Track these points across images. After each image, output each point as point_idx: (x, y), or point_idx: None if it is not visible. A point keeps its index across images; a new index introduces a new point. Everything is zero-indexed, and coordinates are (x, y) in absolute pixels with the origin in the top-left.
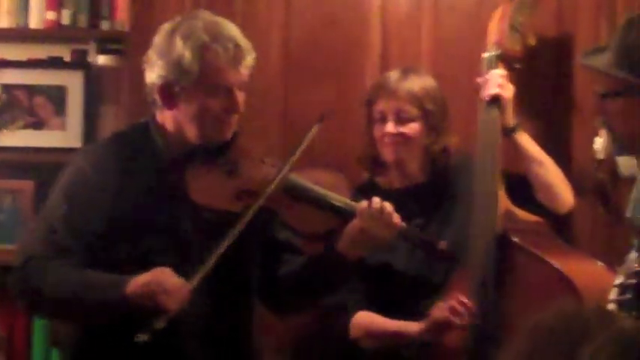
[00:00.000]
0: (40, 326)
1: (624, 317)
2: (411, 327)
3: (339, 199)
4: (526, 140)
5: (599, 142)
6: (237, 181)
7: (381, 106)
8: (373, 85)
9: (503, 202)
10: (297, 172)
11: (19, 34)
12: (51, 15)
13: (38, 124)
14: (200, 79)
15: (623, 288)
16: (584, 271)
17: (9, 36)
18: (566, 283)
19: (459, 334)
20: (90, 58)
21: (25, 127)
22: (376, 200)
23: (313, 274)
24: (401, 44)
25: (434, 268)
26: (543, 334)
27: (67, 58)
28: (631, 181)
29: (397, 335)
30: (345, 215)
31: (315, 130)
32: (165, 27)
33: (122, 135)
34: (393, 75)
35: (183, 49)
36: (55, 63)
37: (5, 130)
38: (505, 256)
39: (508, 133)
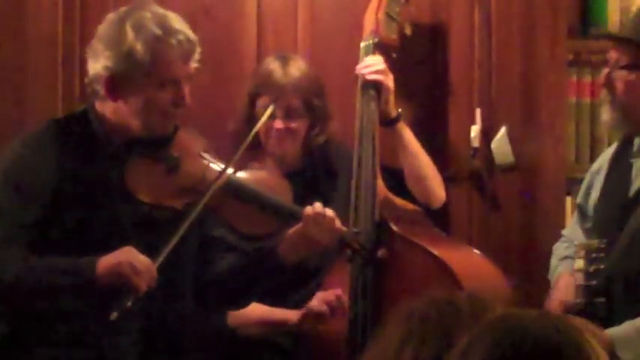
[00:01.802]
0: None
1: (496, 305)
2: (290, 315)
3: (282, 202)
4: (405, 131)
5: (475, 130)
6: (178, 177)
7: (267, 101)
8: (257, 78)
9: (382, 190)
10: (241, 172)
11: None
12: None
13: None
14: (150, 72)
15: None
16: (462, 258)
17: None
18: (445, 270)
19: (338, 323)
20: None
21: None
22: (318, 205)
23: (248, 274)
24: (276, 33)
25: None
26: (416, 321)
27: None
28: (506, 169)
29: (277, 323)
30: (287, 218)
31: (264, 118)
32: (111, 17)
33: (59, 123)
34: (276, 68)
35: (134, 41)
36: None
37: None
38: (384, 244)
39: (389, 123)
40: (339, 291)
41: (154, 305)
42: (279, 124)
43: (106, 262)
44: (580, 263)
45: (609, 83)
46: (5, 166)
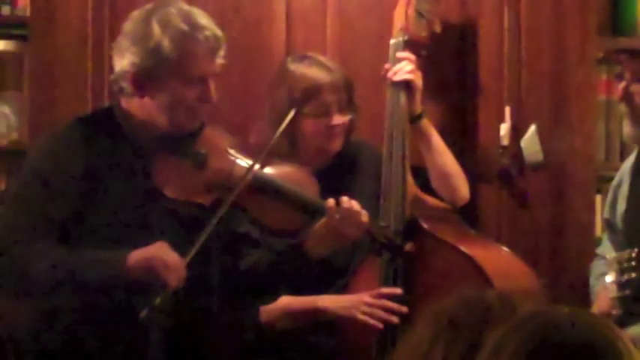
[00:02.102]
0: None
1: (526, 304)
2: (321, 302)
3: (308, 196)
4: (430, 128)
5: (505, 128)
6: (205, 173)
7: (323, 99)
8: (305, 82)
9: (412, 187)
10: (268, 168)
11: None
12: None
13: None
14: (177, 68)
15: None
16: (493, 257)
17: None
18: (475, 269)
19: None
20: None
21: None
22: (345, 199)
23: (275, 270)
24: (306, 31)
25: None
26: (445, 320)
27: None
28: (535, 167)
29: (308, 311)
30: (313, 213)
31: (288, 119)
32: (137, 14)
33: (86, 120)
34: (313, 69)
35: (161, 37)
36: None
37: None
38: (414, 242)
39: (414, 120)
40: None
41: (182, 301)
42: (338, 119)
43: (137, 255)
44: (612, 275)
45: (628, 97)
46: (34, 162)
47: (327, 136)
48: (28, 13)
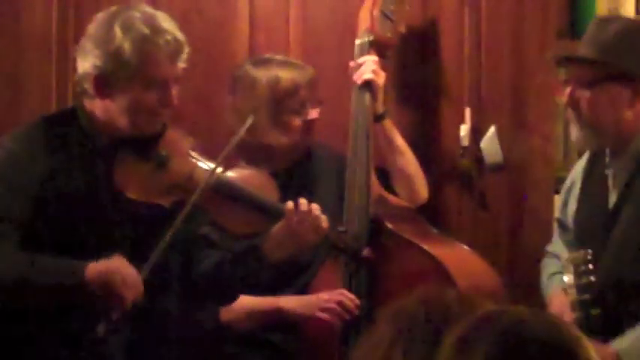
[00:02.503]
0: None
1: (485, 303)
2: (283, 302)
3: (267, 199)
4: (392, 128)
5: (465, 130)
6: (166, 175)
7: (300, 96)
8: (275, 86)
9: (376, 187)
10: (229, 171)
11: None
12: None
13: None
14: (138, 72)
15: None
16: (454, 256)
17: None
18: (438, 267)
19: (340, 316)
20: None
21: None
22: (303, 202)
23: (233, 272)
24: (268, 32)
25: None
26: (405, 320)
27: None
28: (495, 168)
29: (269, 311)
30: (272, 216)
31: (248, 124)
32: (101, 17)
33: (49, 120)
34: (297, 69)
35: (122, 40)
36: None
37: None
38: (378, 241)
39: (377, 119)
40: (353, 299)
41: (141, 304)
42: (313, 114)
43: (96, 268)
44: (570, 278)
45: (573, 102)
46: None
47: (305, 131)
48: None
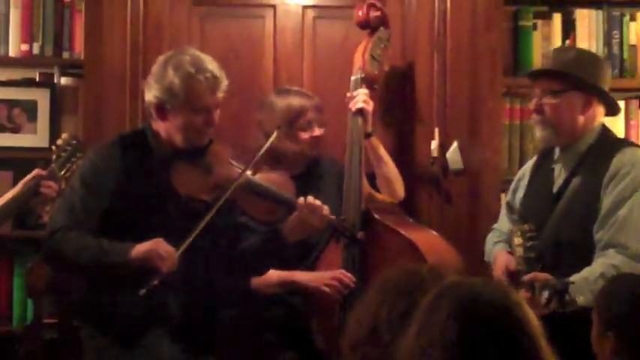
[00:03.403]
0: (18, 283)
1: (450, 275)
2: (298, 276)
3: (285, 195)
4: (378, 143)
5: (434, 144)
6: (210, 177)
7: (309, 117)
8: (295, 106)
9: (366, 187)
10: (257, 174)
11: (1, 61)
12: (25, 46)
13: (16, 129)
14: (186, 101)
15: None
16: (426, 239)
17: None
18: (413, 248)
19: (338, 291)
20: (55, 80)
21: (6, 131)
22: (310, 198)
23: (265, 249)
24: (288, 70)
25: (317, 238)
26: (390, 286)
27: (37, 78)
28: (457, 173)
29: (291, 282)
30: (288, 208)
31: (272, 139)
32: (161, 59)
33: (125, 137)
34: (304, 97)
35: (173, 77)
36: (28, 83)
37: None
38: (368, 228)
39: (366, 137)
40: (349, 276)
41: (195, 276)
42: (318, 132)
43: (139, 248)
44: (519, 241)
45: (539, 108)
46: (81, 168)
47: (311, 144)
48: (82, 57)
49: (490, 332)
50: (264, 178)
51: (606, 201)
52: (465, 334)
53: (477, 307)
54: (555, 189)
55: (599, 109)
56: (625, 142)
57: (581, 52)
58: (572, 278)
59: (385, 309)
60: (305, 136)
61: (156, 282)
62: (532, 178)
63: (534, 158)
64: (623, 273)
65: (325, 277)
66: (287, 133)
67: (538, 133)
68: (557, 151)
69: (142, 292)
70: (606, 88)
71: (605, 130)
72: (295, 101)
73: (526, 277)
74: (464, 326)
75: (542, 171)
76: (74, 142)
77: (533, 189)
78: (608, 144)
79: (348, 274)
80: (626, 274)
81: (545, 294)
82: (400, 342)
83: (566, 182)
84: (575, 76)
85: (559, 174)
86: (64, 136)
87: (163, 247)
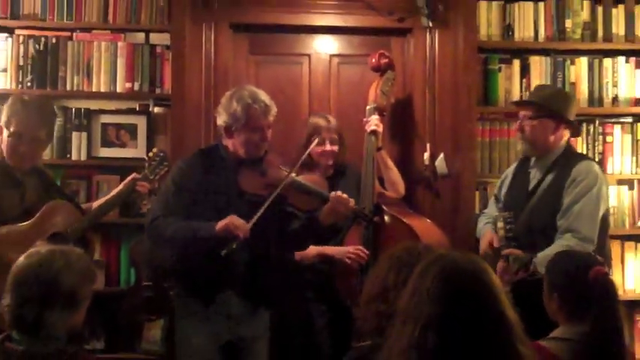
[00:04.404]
0: (124, 254)
1: (439, 249)
2: (330, 250)
3: (321, 191)
4: (386, 155)
5: (426, 155)
6: (266, 178)
7: (323, 135)
8: (313, 125)
9: (377, 186)
10: (299, 175)
11: (111, 95)
12: (128, 84)
13: (122, 145)
14: (246, 124)
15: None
16: (422, 225)
17: (105, 96)
18: (412, 231)
19: (357, 261)
20: (150, 109)
21: (115, 146)
22: (339, 192)
23: (306, 230)
24: (319, 101)
25: (343, 223)
26: (395, 260)
27: (137, 108)
28: (443, 177)
29: (325, 255)
30: (323, 200)
31: (307, 151)
32: (227, 94)
33: (203, 150)
34: (323, 119)
35: (236, 107)
36: (131, 111)
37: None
38: (379, 217)
39: (377, 150)
40: (366, 252)
41: (254, 251)
42: (329, 147)
43: (220, 223)
44: (501, 224)
45: (522, 128)
46: (172, 172)
47: (324, 156)
48: (170, 92)
49: (463, 290)
50: (304, 178)
51: (567, 198)
52: (445, 291)
53: (454, 272)
54: (530, 187)
55: (566, 132)
56: (582, 157)
57: (556, 89)
58: (538, 255)
59: (392, 275)
60: (318, 150)
61: (234, 245)
62: (513, 178)
63: (515, 164)
64: (566, 250)
65: (348, 250)
66: (305, 145)
67: (519, 146)
68: (532, 160)
69: (224, 252)
70: (571, 118)
71: (569, 147)
72: (315, 121)
73: (504, 252)
74: (444, 285)
75: (521, 173)
76: (161, 154)
77: (514, 186)
78: (570, 157)
79: (365, 250)
80: (568, 251)
81: (515, 266)
82: (400, 299)
83: (538, 183)
84: (547, 107)
85: (534, 176)
86: (154, 150)
87: (236, 219)
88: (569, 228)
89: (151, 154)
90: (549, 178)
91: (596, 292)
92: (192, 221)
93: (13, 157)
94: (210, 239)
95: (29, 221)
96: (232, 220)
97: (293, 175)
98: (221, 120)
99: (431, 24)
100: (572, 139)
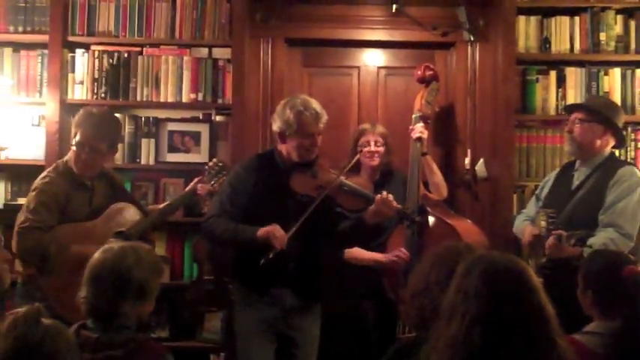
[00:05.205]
0: (188, 251)
1: (478, 249)
2: (377, 256)
3: (367, 192)
4: (430, 160)
5: (467, 160)
6: (316, 180)
7: (367, 138)
8: (359, 130)
9: (422, 189)
10: (347, 178)
11: (177, 105)
12: (192, 95)
13: (187, 151)
14: (298, 130)
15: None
16: (463, 225)
17: (172, 106)
18: (454, 231)
19: (399, 263)
20: (213, 118)
21: (180, 151)
22: (384, 193)
23: (353, 230)
24: (367, 110)
25: (388, 222)
26: (437, 258)
27: (201, 117)
28: (483, 180)
29: (370, 259)
30: (369, 201)
31: (356, 157)
32: (281, 102)
33: (260, 155)
34: (369, 124)
35: (289, 114)
36: (195, 120)
37: (171, 154)
38: (423, 217)
39: (422, 155)
40: (406, 253)
41: (304, 249)
42: (373, 148)
43: (261, 230)
44: (543, 218)
45: (571, 129)
46: (230, 175)
47: (369, 157)
48: (230, 102)
49: (507, 288)
50: (351, 180)
51: (610, 197)
52: (490, 290)
53: (497, 271)
54: (573, 187)
55: (611, 140)
56: (626, 162)
57: (608, 100)
58: (590, 240)
59: (434, 272)
60: (363, 150)
61: (271, 256)
62: (556, 180)
63: (557, 170)
64: (601, 249)
65: (390, 255)
66: (353, 149)
67: (566, 147)
68: (577, 164)
69: (262, 262)
70: (619, 125)
71: (612, 154)
72: (360, 127)
73: (555, 232)
74: (489, 284)
75: (564, 176)
76: (220, 164)
77: (557, 186)
78: (614, 162)
79: (405, 251)
80: (602, 250)
81: (573, 240)
82: (444, 296)
83: (582, 182)
84: (598, 112)
85: (577, 178)
86: (214, 160)
87: (278, 230)
88: (612, 223)
89: (211, 163)
90: (593, 178)
91: (628, 289)
92: (239, 224)
93: (77, 164)
94: (251, 243)
95: (94, 220)
96: (272, 230)
97: (341, 177)
98: (275, 126)
99: (472, 38)
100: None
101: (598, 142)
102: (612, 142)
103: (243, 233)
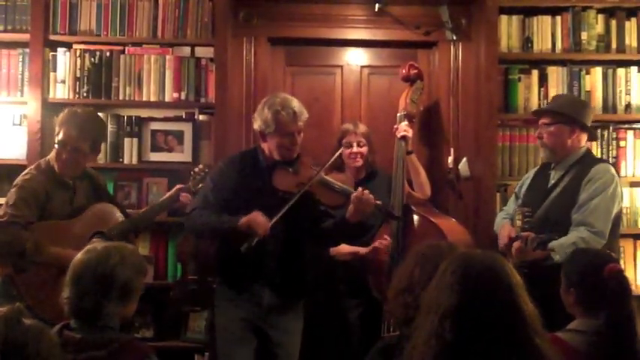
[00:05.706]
0: (171, 251)
1: (461, 248)
2: (361, 250)
3: (346, 188)
4: (415, 159)
5: (450, 159)
6: (297, 177)
7: (349, 138)
8: (342, 130)
9: (406, 188)
10: (329, 174)
11: (160, 104)
12: (175, 94)
13: (169, 150)
14: (276, 129)
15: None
16: (447, 223)
17: (155, 105)
18: (438, 230)
19: (384, 256)
20: (195, 117)
21: (163, 151)
22: (360, 189)
23: (337, 228)
24: (351, 109)
25: (373, 221)
26: (420, 256)
27: (184, 116)
28: (466, 179)
29: (355, 253)
30: (348, 197)
31: (337, 153)
32: (262, 101)
33: (243, 153)
34: (352, 124)
35: (267, 113)
36: (178, 119)
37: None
38: (407, 216)
39: (407, 154)
40: (388, 239)
41: (285, 247)
42: (355, 149)
43: (243, 219)
44: (519, 217)
45: (540, 135)
46: (212, 172)
47: (351, 158)
48: (213, 101)
49: (479, 283)
50: (332, 176)
51: (583, 194)
52: (461, 284)
53: (471, 266)
54: (549, 185)
55: (583, 136)
56: (601, 160)
57: (569, 97)
58: (553, 243)
59: (418, 270)
60: (346, 151)
61: (253, 243)
62: (534, 179)
63: (536, 168)
64: (583, 248)
65: (374, 245)
66: (336, 148)
67: (542, 153)
68: (553, 164)
69: (243, 248)
70: (585, 121)
71: (588, 152)
72: (343, 127)
73: (522, 234)
74: (461, 278)
75: (542, 174)
76: (206, 170)
77: (534, 185)
78: (589, 160)
79: (388, 239)
80: (584, 249)
81: (534, 243)
82: (425, 293)
83: (557, 181)
84: (561, 113)
85: (553, 177)
86: (200, 166)
87: (259, 217)
88: (583, 221)
89: (197, 169)
90: (568, 176)
91: (610, 287)
92: (222, 215)
93: (57, 163)
94: (233, 232)
95: (74, 219)
96: (254, 217)
97: (321, 173)
98: (256, 125)
99: (455, 37)
100: (588, 143)
101: (569, 142)
102: (584, 138)
103: (225, 223)
